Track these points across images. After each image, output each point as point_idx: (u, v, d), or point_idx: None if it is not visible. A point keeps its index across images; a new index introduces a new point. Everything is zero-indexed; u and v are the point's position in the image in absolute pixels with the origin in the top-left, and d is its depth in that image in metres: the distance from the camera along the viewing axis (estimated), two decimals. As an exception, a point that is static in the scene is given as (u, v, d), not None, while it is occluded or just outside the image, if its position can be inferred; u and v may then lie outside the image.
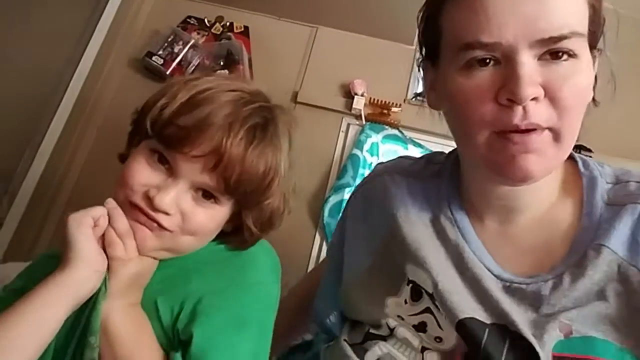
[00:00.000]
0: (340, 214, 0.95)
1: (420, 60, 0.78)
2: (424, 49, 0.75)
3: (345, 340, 0.80)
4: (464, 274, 0.70)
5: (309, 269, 1.65)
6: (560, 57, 0.59)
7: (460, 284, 0.70)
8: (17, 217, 1.59)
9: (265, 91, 0.79)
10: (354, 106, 1.79)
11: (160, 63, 1.79)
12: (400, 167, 0.87)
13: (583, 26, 0.60)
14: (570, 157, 0.73)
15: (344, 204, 1.62)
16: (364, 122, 1.79)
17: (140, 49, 1.88)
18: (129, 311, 0.69)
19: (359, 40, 1.93)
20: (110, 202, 0.71)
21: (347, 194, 1.66)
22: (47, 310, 0.63)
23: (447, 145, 1.77)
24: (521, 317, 0.65)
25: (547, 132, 0.61)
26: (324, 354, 0.86)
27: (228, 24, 1.93)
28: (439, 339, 0.70)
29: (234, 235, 0.79)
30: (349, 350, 0.76)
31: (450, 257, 0.72)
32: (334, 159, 1.79)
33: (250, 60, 1.86)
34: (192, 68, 1.84)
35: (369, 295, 0.79)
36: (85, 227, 0.67)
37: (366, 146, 1.72)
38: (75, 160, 1.77)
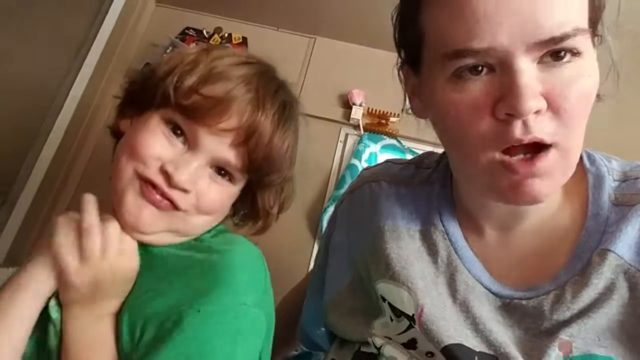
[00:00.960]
0: (325, 227, 0.88)
1: (399, 64, 0.70)
2: (402, 52, 0.67)
3: (333, 357, 0.76)
4: (454, 296, 0.64)
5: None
6: (563, 58, 0.52)
7: (451, 306, 0.64)
8: (17, 223, 1.58)
9: None
10: (352, 116, 1.79)
11: (158, 74, 1.79)
12: (388, 174, 0.79)
13: (585, 18, 0.53)
14: None
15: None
16: (362, 132, 1.79)
17: (139, 60, 1.88)
18: (86, 324, 0.61)
19: (357, 51, 1.93)
20: (86, 196, 0.64)
21: (345, 204, 1.65)
22: (15, 310, 0.58)
23: (446, 155, 1.78)
24: (516, 344, 0.59)
25: (553, 151, 0.54)
26: None
27: (226, 35, 1.93)
28: (430, 354, 0.64)
29: (250, 218, 0.75)
30: None
31: (441, 276, 0.66)
32: (332, 168, 1.79)
33: (248, 70, 1.87)
34: (191, 79, 1.84)
35: (351, 315, 0.74)
36: (61, 226, 0.62)
37: (364, 156, 1.72)
38: (75, 166, 1.77)
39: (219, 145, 0.64)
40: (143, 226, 0.64)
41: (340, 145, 1.82)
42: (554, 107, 0.52)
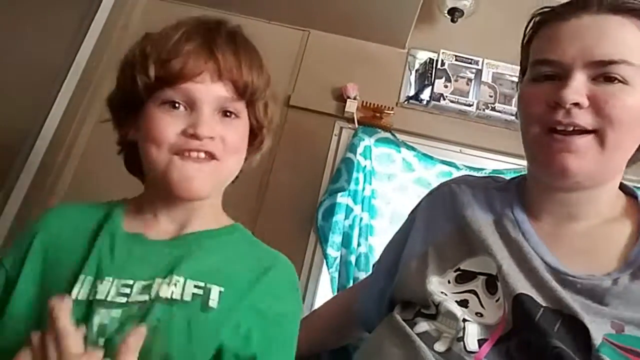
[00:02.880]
0: (410, 212, 1.06)
1: (518, 81, 0.92)
2: (520, 71, 0.89)
3: (397, 314, 0.86)
4: (521, 266, 0.78)
5: (303, 271, 1.65)
6: (612, 81, 0.71)
7: (518, 270, 0.77)
8: (12, 212, 1.58)
9: None
10: (346, 110, 1.79)
11: (152, 67, 1.78)
12: (465, 180, 1.00)
13: (637, 58, 0.71)
14: (630, 194, 0.84)
15: (337, 208, 1.65)
16: (356, 125, 1.79)
17: (132, 53, 1.87)
18: None
19: (351, 44, 1.93)
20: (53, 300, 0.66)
21: (340, 198, 1.66)
22: None
23: (439, 148, 1.78)
24: (575, 303, 0.71)
25: (592, 135, 0.73)
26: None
27: (220, 27, 1.93)
28: (479, 314, 0.78)
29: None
30: (401, 322, 0.83)
31: (510, 251, 0.80)
32: (326, 162, 1.79)
33: (242, 64, 1.86)
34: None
35: (417, 275, 0.88)
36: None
37: (359, 149, 1.72)
38: (71, 157, 1.75)
39: (207, 90, 0.77)
40: (197, 187, 0.76)
41: (335, 139, 1.82)
42: (595, 107, 0.72)
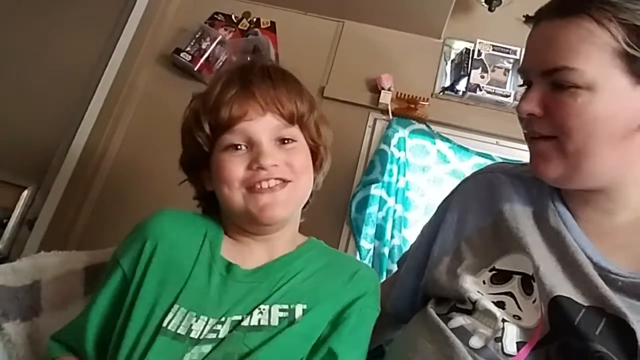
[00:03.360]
0: (441, 204, 1.03)
1: None
2: None
3: (432, 308, 0.85)
4: (564, 259, 0.76)
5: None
6: (565, 88, 0.71)
7: (559, 268, 0.75)
8: (50, 213, 1.62)
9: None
10: (380, 101, 1.78)
11: (188, 60, 1.80)
12: (503, 168, 0.97)
13: (584, 61, 0.70)
14: None
15: (370, 200, 1.64)
16: (390, 117, 1.78)
17: (168, 46, 1.90)
18: None
19: (385, 34, 1.91)
20: None
21: (374, 190, 1.66)
22: None
23: (475, 140, 1.76)
24: (620, 302, 0.68)
25: (552, 141, 0.74)
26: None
27: (255, 19, 1.94)
28: (517, 317, 0.76)
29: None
30: (435, 316, 0.82)
31: (550, 244, 0.78)
32: (360, 154, 1.78)
33: (277, 55, 1.87)
34: (220, 64, 1.85)
35: (450, 273, 0.87)
36: None
37: (393, 141, 1.71)
38: (107, 154, 1.79)
39: (258, 124, 0.83)
40: (277, 212, 0.83)
41: (368, 130, 1.81)
42: (548, 116, 0.74)
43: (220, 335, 0.75)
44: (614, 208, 0.78)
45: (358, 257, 1.62)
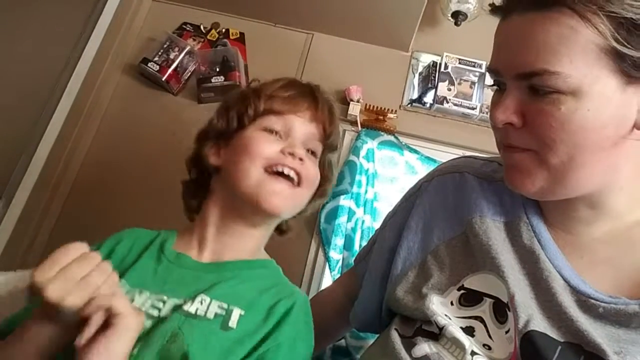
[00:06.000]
0: (402, 203, 0.96)
1: None
2: None
3: (396, 329, 0.78)
4: (538, 285, 0.69)
5: (305, 273, 1.65)
6: (546, 93, 0.61)
7: (532, 295, 0.68)
8: (11, 224, 1.57)
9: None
10: (349, 112, 1.79)
11: (156, 69, 1.78)
12: (471, 167, 0.87)
13: (567, 63, 0.59)
14: None
15: (340, 210, 1.64)
16: (359, 128, 1.79)
17: (136, 55, 1.87)
18: None
19: (354, 47, 1.93)
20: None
21: (343, 200, 1.66)
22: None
23: (442, 151, 1.78)
24: (599, 333, 0.62)
25: (526, 154, 0.66)
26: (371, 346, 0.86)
27: (224, 30, 1.93)
28: (487, 347, 0.69)
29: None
30: (397, 343, 0.75)
31: (524, 265, 0.71)
32: (329, 165, 1.78)
33: (246, 66, 1.86)
34: (188, 74, 1.84)
35: (415, 292, 0.79)
36: None
37: (362, 152, 1.72)
38: (71, 165, 1.74)
39: (304, 124, 0.91)
40: (280, 203, 0.86)
41: (337, 141, 1.81)
42: (528, 127, 0.64)
43: (162, 314, 0.77)
44: (594, 216, 0.70)
45: (327, 268, 1.62)
